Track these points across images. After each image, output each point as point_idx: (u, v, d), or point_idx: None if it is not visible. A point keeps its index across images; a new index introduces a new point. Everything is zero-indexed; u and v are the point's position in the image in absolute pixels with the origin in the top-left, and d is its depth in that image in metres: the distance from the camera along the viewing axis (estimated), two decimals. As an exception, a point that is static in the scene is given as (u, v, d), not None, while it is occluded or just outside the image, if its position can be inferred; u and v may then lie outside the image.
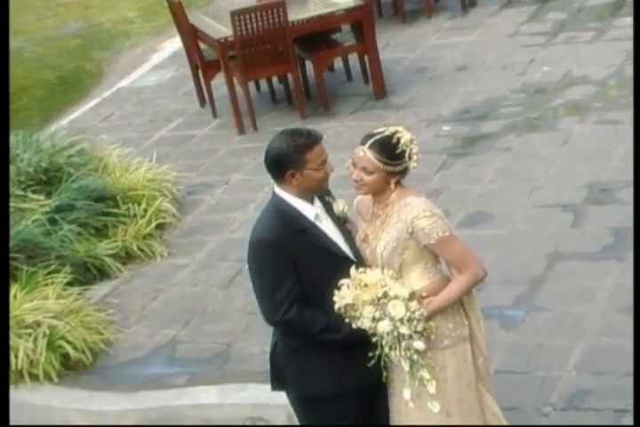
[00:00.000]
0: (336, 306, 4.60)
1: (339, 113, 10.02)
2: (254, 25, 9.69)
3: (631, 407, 5.70)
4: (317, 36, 10.15)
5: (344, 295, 4.59)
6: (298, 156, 4.65)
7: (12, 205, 8.20)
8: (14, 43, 14.78)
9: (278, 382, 4.97)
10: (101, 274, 7.98)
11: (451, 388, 4.81)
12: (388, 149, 4.69)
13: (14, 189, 8.40)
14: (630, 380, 5.88)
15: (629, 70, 9.72)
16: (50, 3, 16.50)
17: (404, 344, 4.62)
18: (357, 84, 10.56)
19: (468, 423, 4.87)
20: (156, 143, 10.22)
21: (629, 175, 7.95)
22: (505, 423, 5.03)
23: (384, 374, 4.76)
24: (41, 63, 13.96)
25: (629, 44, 10.20)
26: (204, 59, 10.36)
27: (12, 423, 6.77)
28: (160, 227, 8.46)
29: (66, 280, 7.52)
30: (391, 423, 4.97)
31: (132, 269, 8.09)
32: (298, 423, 5.09)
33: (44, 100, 12.47)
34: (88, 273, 7.91)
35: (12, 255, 7.56)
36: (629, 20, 10.82)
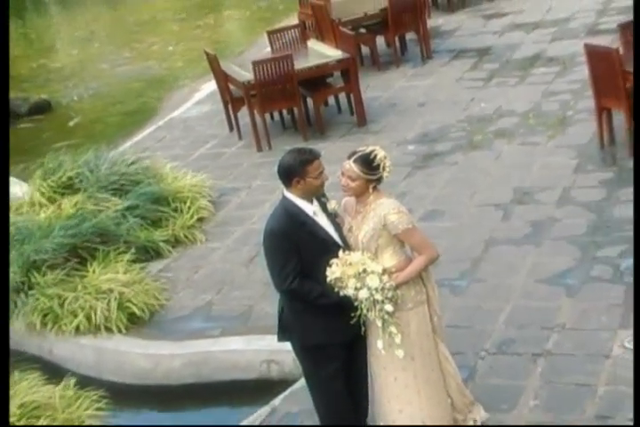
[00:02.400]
0: (328, 279, 4.58)
1: (331, 136, 9.99)
2: (269, 72, 9.67)
3: (545, 352, 5.71)
4: (316, 80, 10.12)
5: (334, 271, 4.58)
6: (302, 168, 4.64)
7: (92, 204, 8.20)
8: (93, 85, 14.81)
9: (284, 335, 4.96)
10: (157, 254, 7.95)
11: (414, 339, 4.79)
12: (368, 163, 4.68)
13: (95, 193, 8.39)
14: (544, 332, 5.89)
15: (544, 106, 9.68)
16: (119, 55, 16.49)
17: (377, 307, 4.61)
18: (345, 115, 10.53)
19: (427, 364, 4.86)
20: (197, 159, 10.19)
21: (545, 182, 7.94)
22: (453, 363, 5.02)
23: (363, 329, 4.74)
24: (113, 100, 13.96)
25: (544, 87, 10.17)
26: (232, 96, 10.33)
27: (93, 364, 6.77)
28: (200, 220, 8.42)
29: (131, 259, 7.51)
30: (369, 365, 4.96)
31: (179, 251, 8.06)
32: (300, 365, 5.07)
33: (116, 127, 12.46)
34: (147, 254, 7.88)
35: (91, 240, 7.56)
36: (543, 69, 10.79)
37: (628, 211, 7.14)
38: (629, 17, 9.97)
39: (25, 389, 5.82)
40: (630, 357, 5.49)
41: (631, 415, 5.01)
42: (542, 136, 8.93)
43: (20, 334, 7.17)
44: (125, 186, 8.52)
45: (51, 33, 20.62)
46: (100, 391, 6.02)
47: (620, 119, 8.18)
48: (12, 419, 5.51)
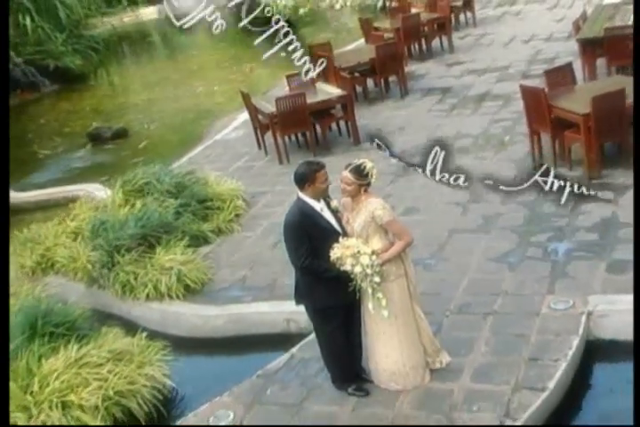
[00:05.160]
0: (331, 258, 4.59)
1: (334, 153, 9.94)
2: (288, 105, 9.64)
3: (493, 311, 5.68)
4: (322, 111, 10.08)
5: (335, 252, 4.59)
6: (312, 175, 4.65)
7: (157, 204, 8.17)
8: (158, 116, 14.78)
9: (299, 300, 4.96)
10: (205, 241, 7.89)
11: (396, 302, 4.79)
12: (359, 172, 4.68)
13: (159, 196, 8.36)
14: (492, 297, 5.86)
15: (491, 130, 9.62)
16: (176, 95, 16.46)
17: (368, 279, 4.61)
18: (344, 137, 10.47)
19: (407, 321, 4.86)
20: (235, 170, 10.15)
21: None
22: (425, 321, 5.01)
23: (358, 295, 4.74)
24: (172, 127, 13.92)
25: (491, 116, 10.09)
26: (260, 123, 10.30)
27: (159, 321, 6.76)
28: (236, 215, 8.34)
29: (186, 244, 7.47)
30: (364, 323, 4.95)
31: (221, 238, 7.99)
32: (312, 322, 5.06)
33: (174, 147, 12.42)
34: (197, 240, 7.81)
35: (156, 230, 7.50)
36: (490, 103, 10.69)
37: (552, 207, 7.13)
38: (552, 65, 10.04)
39: (111, 339, 5.81)
40: (555, 314, 5.49)
41: (555, 357, 5.02)
42: (490, 152, 8.90)
43: (107, 299, 7.19)
44: (181, 190, 8.49)
45: (127, 79, 20.67)
46: (165, 342, 6.02)
47: (547, 140, 8.16)
48: (102, 361, 5.48)
